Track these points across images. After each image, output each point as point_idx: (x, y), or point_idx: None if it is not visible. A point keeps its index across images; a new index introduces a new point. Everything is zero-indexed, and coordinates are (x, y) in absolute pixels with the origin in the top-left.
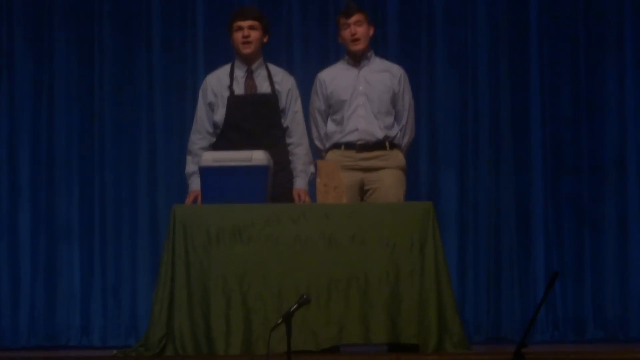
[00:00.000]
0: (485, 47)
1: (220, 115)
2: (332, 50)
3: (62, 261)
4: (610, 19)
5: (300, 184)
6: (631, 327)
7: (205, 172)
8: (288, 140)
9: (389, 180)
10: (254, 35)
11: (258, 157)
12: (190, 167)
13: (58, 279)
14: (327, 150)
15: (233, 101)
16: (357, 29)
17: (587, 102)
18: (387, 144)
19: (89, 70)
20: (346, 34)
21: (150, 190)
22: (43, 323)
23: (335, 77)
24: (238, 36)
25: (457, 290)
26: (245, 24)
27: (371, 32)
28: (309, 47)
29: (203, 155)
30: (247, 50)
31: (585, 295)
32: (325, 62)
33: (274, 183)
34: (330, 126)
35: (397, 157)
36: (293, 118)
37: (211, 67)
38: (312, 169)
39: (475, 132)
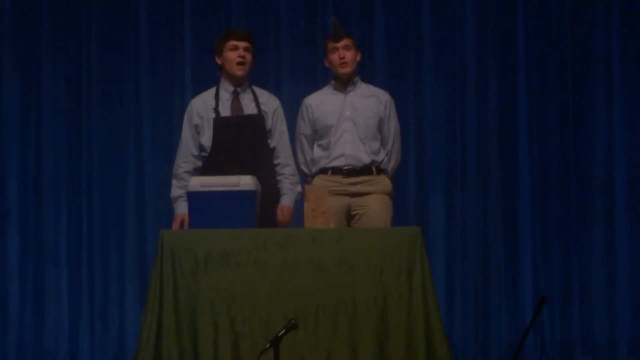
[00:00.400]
0: (472, 72)
1: (206, 137)
2: (320, 75)
3: (50, 286)
4: (597, 43)
5: (286, 201)
6: (619, 351)
7: (193, 197)
8: (275, 161)
9: (376, 205)
10: (248, 57)
11: (246, 182)
12: (176, 191)
13: (46, 304)
14: (314, 175)
15: (219, 123)
16: (345, 53)
17: (575, 126)
18: (373, 169)
19: (77, 94)
20: (334, 57)
21: (138, 215)
22: (31, 348)
23: (322, 102)
24: (233, 56)
25: (445, 315)
26: (242, 44)
27: (358, 57)
28: (297, 72)
29: (191, 180)
30: (241, 72)
31: (573, 319)
32: (313, 86)
33: (262, 205)
34: (317, 151)
35: (384, 182)
36: (279, 138)
37: (199, 90)
38: (299, 188)
39: (463, 156)
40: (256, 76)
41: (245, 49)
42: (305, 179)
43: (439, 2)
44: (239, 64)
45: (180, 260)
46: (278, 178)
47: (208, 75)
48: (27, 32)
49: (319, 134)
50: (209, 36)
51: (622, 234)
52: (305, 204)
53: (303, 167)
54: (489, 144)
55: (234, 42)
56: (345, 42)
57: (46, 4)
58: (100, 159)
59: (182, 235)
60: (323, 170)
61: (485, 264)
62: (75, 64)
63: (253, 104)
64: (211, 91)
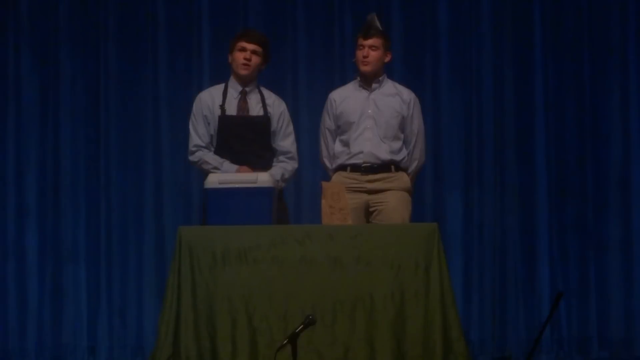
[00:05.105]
0: (489, 70)
1: (212, 133)
2: (337, 71)
3: (68, 282)
4: (614, 42)
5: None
6: (636, 347)
7: (211, 194)
8: (282, 157)
9: (394, 201)
10: (255, 60)
11: (263, 178)
12: (209, 164)
13: (65, 300)
14: (334, 170)
15: (224, 121)
16: (370, 52)
17: (592, 123)
18: (392, 167)
19: (95, 93)
20: (359, 54)
21: (156, 211)
22: (50, 344)
23: (346, 98)
24: (239, 56)
25: (462, 310)
26: (250, 46)
27: (387, 58)
28: (314, 69)
29: (208, 177)
30: (244, 71)
31: (590, 315)
32: (330, 83)
33: None
34: (338, 146)
35: (403, 179)
36: (287, 139)
37: None
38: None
39: (480, 154)
40: (272, 75)
41: (253, 52)
42: (327, 172)
43: (456, 0)
44: (243, 64)
45: (198, 257)
46: (273, 164)
47: (225, 75)
48: (45, 33)
49: (341, 129)
50: (227, 36)
51: (637, 231)
52: (323, 201)
53: (325, 161)
54: (506, 141)
55: (243, 44)
56: (373, 41)
57: (64, 6)
58: (118, 156)
59: (200, 232)
60: (342, 167)
61: (502, 260)
62: (93, 63)
63: (260, 105)
64: (219, 87)
